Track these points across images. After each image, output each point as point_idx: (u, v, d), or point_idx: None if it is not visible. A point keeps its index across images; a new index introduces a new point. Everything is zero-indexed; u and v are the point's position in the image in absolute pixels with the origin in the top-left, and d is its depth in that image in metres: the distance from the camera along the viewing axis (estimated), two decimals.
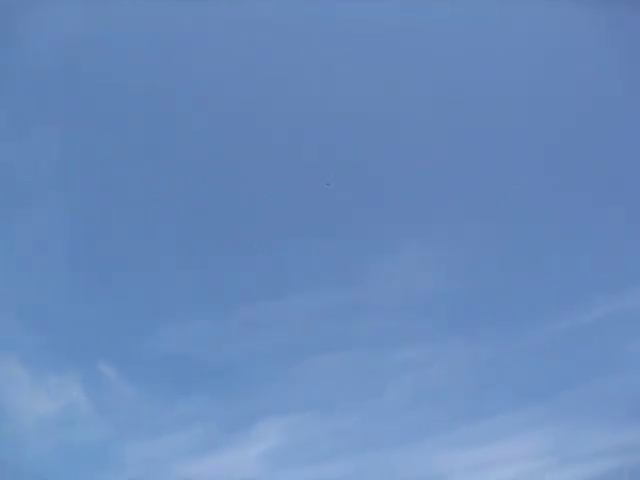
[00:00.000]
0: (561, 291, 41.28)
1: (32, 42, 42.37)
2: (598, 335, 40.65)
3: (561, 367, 40.59)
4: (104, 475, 39.19)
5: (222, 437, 41.80)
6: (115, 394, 40.87)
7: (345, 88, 44.95)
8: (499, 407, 40.52)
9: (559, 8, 43.65)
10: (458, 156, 43.93)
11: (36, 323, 40.50)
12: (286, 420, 42.34)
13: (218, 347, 42.52)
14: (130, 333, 41.69)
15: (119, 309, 41.96)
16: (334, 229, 44.18)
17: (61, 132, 42.65)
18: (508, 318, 41.89)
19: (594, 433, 38.55)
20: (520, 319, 41.30)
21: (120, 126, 43.67)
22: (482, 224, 42.88)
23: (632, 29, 40.81)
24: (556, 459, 39.35)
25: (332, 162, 42.89)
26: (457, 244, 43.26)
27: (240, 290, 43.49)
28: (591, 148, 43.70)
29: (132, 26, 43.48)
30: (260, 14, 45.91)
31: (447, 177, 43.41)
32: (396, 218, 43.82)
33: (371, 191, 44.13)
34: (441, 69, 45.70)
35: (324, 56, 46.08)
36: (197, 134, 45.17)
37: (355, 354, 42.52)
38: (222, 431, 41.88)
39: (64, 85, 43.19)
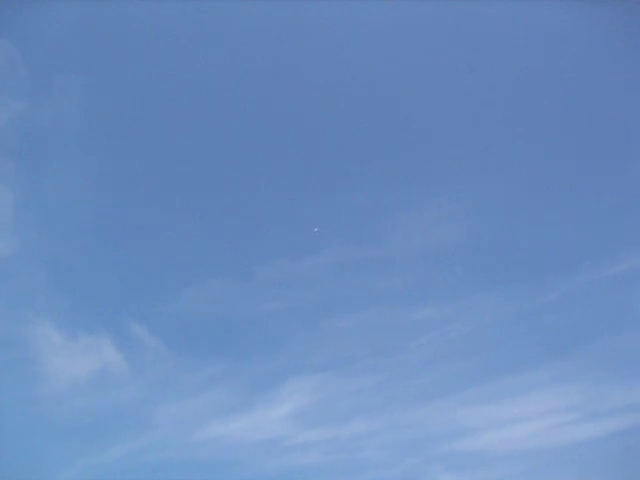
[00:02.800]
0: (585, 246, 41.10)
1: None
2: (623, 289, 40.54)
3: (585, 322, 40.28)
4: (135, 434, 40.34)
5: (248, 398, 42.13)
6: (144, 356, 41.69)
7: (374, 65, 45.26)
8: (523, 363, 40.37)
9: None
10: (474, 119, 44.34)
11: (68, 287, 41.69)
12: (311, 380, 42.60)
13: (242, 307, 42.92)
14: (157, 295, 42.41)
15: (146, 271, 42.79)
16: (352, 186, 44.45)
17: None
18: (531, 273, 41.73)
19: (618, 388, 38.40)
20: (543, 274, 41.18)
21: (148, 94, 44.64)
22: (504, 180, 42.97)
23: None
24: (580, 414, 39.09)
25: (354, 122, 43.34)
26: (478, 200, 43.24)
27: (260, 250, 44.01)
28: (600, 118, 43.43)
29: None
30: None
31: (466, 134, 43.69)
32: (415, 175, 44.02)
33: (389, 149, 44.43)
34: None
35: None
36: (217, 99, 45.83)
37: (377, 312, 42.58)
38: (248, 392, 42.29)
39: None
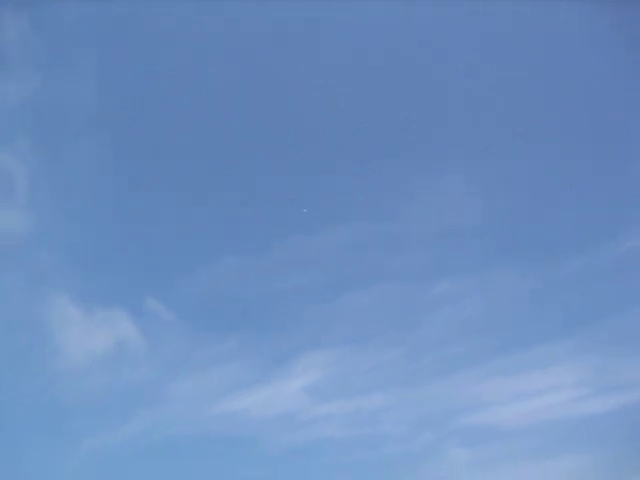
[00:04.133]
0: (602, 222, 40.89)
1: None
2: (637, 265, 40.63)
3: (600, 297, 40.21)
4: (151, 409, 40.44)
5: (264, 372, 42.30)
6: (161, 331, 41.75)
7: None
8: (538, 337, 40.33)
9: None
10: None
11: (85, 264, 41.61)
12: (326, 354, 42.69)
13: (257, 283, 42.94)
14: (173, 271, 42.39)
15: (162, 247, 42.68)
16: (368, 163, 44.25)
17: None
18: (547, 249, 41.55)
19: (632, 362, 38.47)
20: (559, 250, 41.00)
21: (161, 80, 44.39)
22: (520, 156, 42.63)
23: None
24: (594, 388, 39.30)
25: (370, 101, 43.06)
26: (495, 176, 43.10)
27: (276, 226, 43.83)
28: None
29: None
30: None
31: (483, 112, 43.50)
32: (432, 152, 43.80)
33: (405, 125, 44.10)
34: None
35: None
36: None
37: (393, 287, 42.47)
38: (263, 366, 42.45)
39: None
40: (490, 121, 43.34)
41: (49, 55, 43.42)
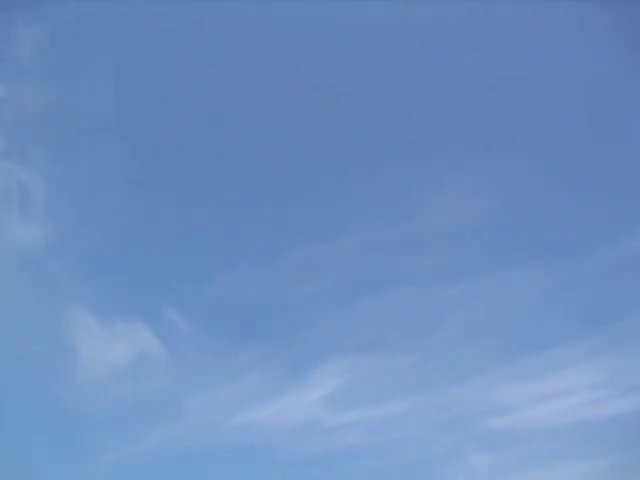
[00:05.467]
0: (618, 218, 40.83)
1: None
2: None
3: (619, 294, 39.99)
4: (170, 421, 40.30)
5: (281, 382, 42.17)
6: (179, 341, 41.81)
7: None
8: (557, 338, 40.23)
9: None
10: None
11: (102, 273, 41.80)
12: (343, 362, 42.44)
13: (273, 291, 42.95)
14: (190, 279, 42.51)
15: (179, 256, 42.86)
16: (379, 165, 44.41)
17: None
18: (561, 248, 41.49)
19: None
20: (576, 247, 41.06)
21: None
22: (532, 155, 42.80)
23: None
24: (614, 390, 39.27)
25: (379, 102, 43.43)
26: (506, 175, 43.20)
27: (291, 233, 43.88)
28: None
29: None
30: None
31: (492, 110, 43.84)
32: (442, 152, 43.99)
33: (415, 126, 44.33)
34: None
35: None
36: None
37: (409, 290, 42.37)
38: (281, 376, 42.33)
39: None
40: (499, 121, 43.62)
41: (63, 65, 44.20)
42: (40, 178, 42.58)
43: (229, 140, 43.87)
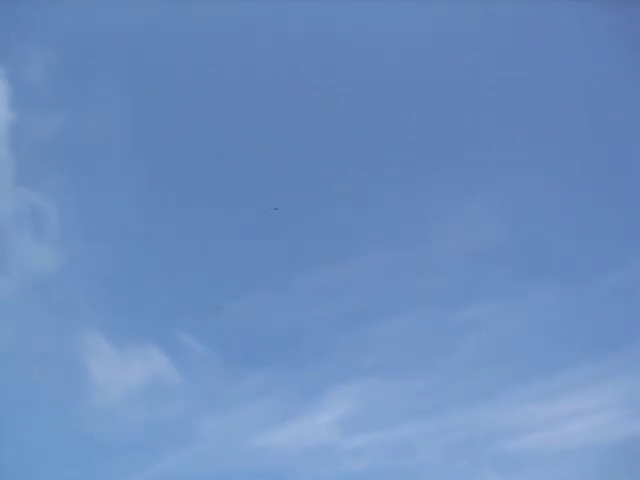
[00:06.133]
0: (635, 239, 41.17)
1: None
2: None
3: (629, 318, 40.04)
4: (184, 446, 40.04)
5: (295, 406, 42.06)
6: (193, 366, 41.74)
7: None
8: (571, 360, 40.16)
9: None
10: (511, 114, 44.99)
11: (117, 298, 41.88)
12: (355, 386, 42.37)
13: (285, 316, 42.97)
14: (203, 305, 42.57)
15: (192, 282, 42.98)
16: (391, 189, 44.70)
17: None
18: (576, 269, 41.69)
19: None
20: (591, 268, 41.18)
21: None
22: (545, 176, 43.19)
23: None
24: (628, 411, 39.22)
25: (391, 126, 43.90)
26: (519, 198, 43.55)
27: (301, 258, 44.14)
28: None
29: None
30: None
31: (506, 130, 44.17)
32: (456, 173, 44.34)
33: (427, 150, 44.75)
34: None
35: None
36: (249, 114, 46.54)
37: (422, 313, 42.42)
38: (295, 400, 42.19)
39: None
40: (510, 142, 44.07)
41: (77, 90, 44.81)
42: (54, 203, 43.04)
43: (243, 168, 44.48)
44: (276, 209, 42.56)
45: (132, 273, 42.67)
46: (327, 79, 45.68)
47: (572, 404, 39.59)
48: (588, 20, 42.62)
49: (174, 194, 44.51)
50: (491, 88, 45.40)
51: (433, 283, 42.58)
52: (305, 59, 45.85)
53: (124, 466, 38.34)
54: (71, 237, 42.87)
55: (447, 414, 40.80)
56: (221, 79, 46.36)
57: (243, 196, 44.86)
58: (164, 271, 42.82)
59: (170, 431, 39.80)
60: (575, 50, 44.19)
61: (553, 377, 40.61)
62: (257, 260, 44.37)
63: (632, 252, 40.78)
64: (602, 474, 36.67)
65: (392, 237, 44.01)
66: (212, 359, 41.83)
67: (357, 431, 41.26)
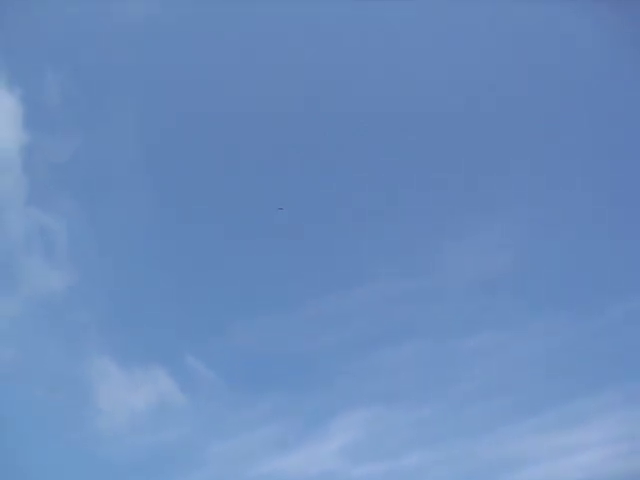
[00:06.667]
0: (633, 276, 41.51)
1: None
2: None
3: (634, 350, 40.44)
4: (190, 471, 39.78)
5: (301, 433, 41.92)
6: (200, 390, 41.77)
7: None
8: (575, 392, 40.09)
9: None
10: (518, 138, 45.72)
11: (124, 321, 41.90)
12: (362, 413, 42.27)
13: (292, 341, 43.09)
14: (210, 329, 42.66)
15: (199, 306, 43.12)
16: (396, 218, 45.07)
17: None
18: (582, 301, 41.98)
19: None
20: (594, 301, 41.44)
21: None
22: (551, 206, 43.72)
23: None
24: (632, 444, 39.19)
25: (400, 153, 44.62)
26: (527, 226, 43.81)
27: (309, 283, 44.35)
28: None
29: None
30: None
31: (512, 160, 44.85)
32: (463, 202, 44.80)
33: (435, 177, 45.26)
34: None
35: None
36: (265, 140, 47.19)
37: (427, 343, 42.59)
38: (301, 427, 42.13)
39: None
40: (516, 172, 44.66)
41: (91, 113, 45.36)
42: (64, 223, 43.27)
43: (252, 193, 44.91)
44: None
45: (141, 295, 42.85)
46: (337, 111, 46.45)
47: (576, 436, 39.49)
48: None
49: (184, 217, 44.97)
50: (502, 119, 46.20)
51: (440, 312, 42.87)
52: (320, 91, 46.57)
53: None
54: (81, 258, 43.17)
55: (452, 444, 40.67)
56: (236, 100, 46.82)
57: (254, 222, 45.32)
58: (173, 294, 43.03)
59: (175, 455, 39.63)
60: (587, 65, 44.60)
61: (557, 408, 40.58)
62: (266, 285, 44.64)
63: (636, 286, 41.17)
64: None
65: (400, 266, 44.36)
66: (219, 383, 41.89)
67: (362, 459, 41.06)
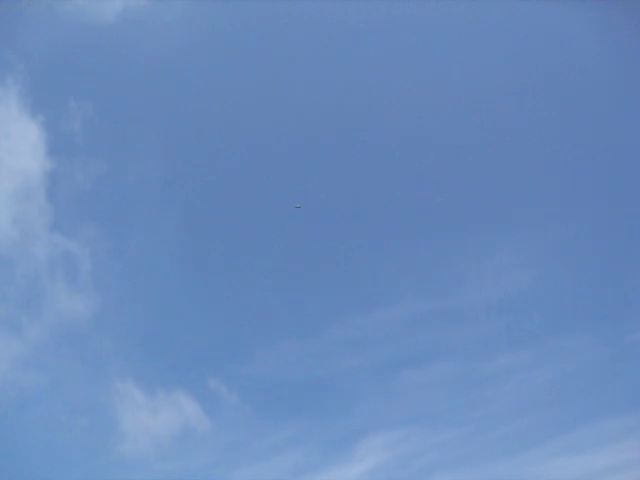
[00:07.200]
0: None
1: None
2: None
3: None
4: None
5: (326, 457, 41.47)
6: (224, 414, 41.59)
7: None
8: (611, 409, 39.25)
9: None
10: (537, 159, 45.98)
11: (148, 346, 41.98)
12: (387, 436, 41.87)
13: (313, 366, 42.97)
14: (234, 354, 42.55)
15: (222, 331, 43.14)
16: (419, 240, 45.23)
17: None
18: (609, 319, 41.55)
19: None
20: (625, 314, 41.07)
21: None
22: (574, 225, 43.60)
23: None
24: None
25: (424, 177, 45.02)
26: (550, 246, 43.81)
27: (331, 307, 44.31)
28: None
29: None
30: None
31: (534, 178, 45.00)
32: (485, 222, 44.87)
33: (458, 197, 45.47)
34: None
35: None
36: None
37: (453, 363, 42.49)
38: (324, 451, 41.67)
39: None
40: (535, 191, 44.78)
41: (114, 139, 46.13)
42: (88, 250, 43.63)
43: (274, 222, 45.27)
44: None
45: (164, 321, 43.09)
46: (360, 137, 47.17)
47: (605, 458, 38.67)
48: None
49: (207, 244, 45.16)
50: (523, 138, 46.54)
51: (462, 333, 42.73)
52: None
53: None
54: (105, 285, 43.48)
55: (481, 466, 39.97)
56: (259, 132, 47.56)
57: (277, 247, 45.63)
58: (196, 319, 43.13)
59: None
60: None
61: (584, 429, 39.92)
62: (288, 310, 44.61)
63: None
64: None
65: (421, 288, 44.37)
66: (243, 408, 41.59)
67: None
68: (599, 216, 43.72)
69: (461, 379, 42.21)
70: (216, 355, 42.34)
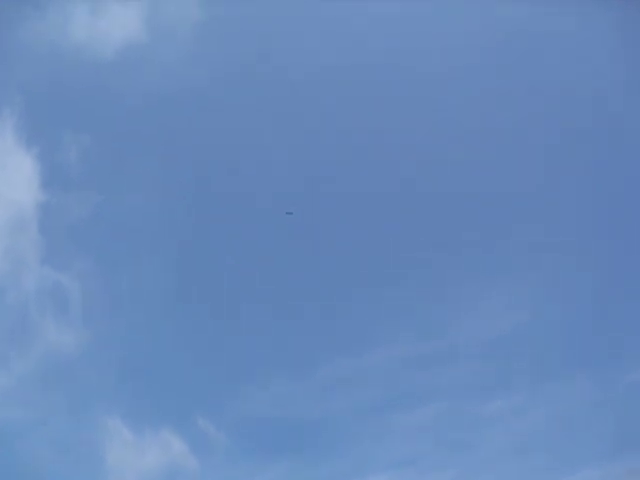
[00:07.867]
0: None
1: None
2: None
3: None
4: None
5: None
6: (212, 453, 40.93)
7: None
8: (597, 455, 39.19)
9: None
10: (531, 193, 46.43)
11: (136, 383, 41.53)
12: (379, 479, 41.45)
13: (303, 406, 42.36)
14: (223, 391, 42.17)
15: (211, 368, 42.75)
16: (407, 280, 45.17)
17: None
18: (602, 361, 41.40)
19: None
20: (612, 366, 41.09)
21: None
22: (566, 267, 43.60)
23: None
24: None
25: (414, 214, 45.31)
26: (542, 288, 43.73)
27: (323, 347, 43.96)
28: None
29: None
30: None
31: (522, 220, 45.34)
32: (474, 265, 44.88)
33: (444, 242, 45.50)
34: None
35: None
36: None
37: (444, 406, 41.87)
38: None
39: None
40: (528, 233, 44.99)
41: (106, 173, 46.20)
42: (78, 284, 43.37)
43: (263, 260, 45.19)
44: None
45: (153, 357, 42.64)
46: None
47: None
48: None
49: (198, 280, 45.00)
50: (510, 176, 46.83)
51: (454, 376, 42.40)
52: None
53: None
54: (94, 319, 43.16)
55: None
56: (253, 168, 47.79)
57: (268, 285, 45.44)
58: (185, 356, 42.79)
59: None
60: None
61: (577, 474, 39.64)
62: (278, 348, 44.28)
63: None
64: None
65: (412, 330, 44.24)
66: (231, 447, 41.04)
67: None
68: (595, 256, 43.93)
69: (452, 422, 41.89)
70: (205, 394, 41.92)
